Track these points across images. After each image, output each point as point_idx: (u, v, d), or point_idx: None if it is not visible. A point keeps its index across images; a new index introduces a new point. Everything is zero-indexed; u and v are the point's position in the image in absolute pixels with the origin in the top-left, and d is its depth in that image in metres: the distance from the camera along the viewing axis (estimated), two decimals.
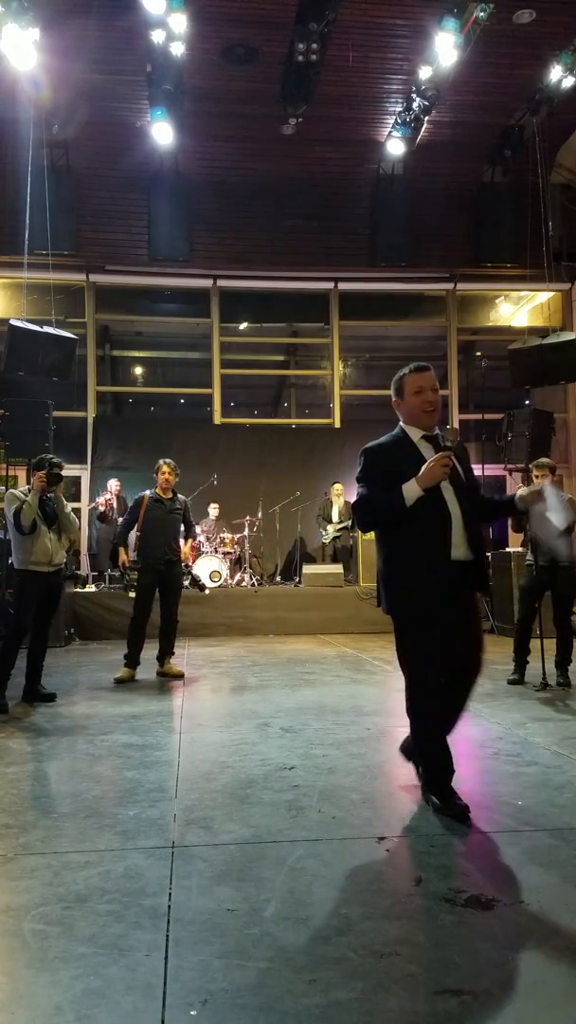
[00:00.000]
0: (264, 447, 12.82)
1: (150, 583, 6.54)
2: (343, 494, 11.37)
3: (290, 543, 11.92)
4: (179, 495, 6.80)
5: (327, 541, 11.36)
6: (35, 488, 5.32)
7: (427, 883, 2.45)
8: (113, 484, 10.85)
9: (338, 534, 11.27)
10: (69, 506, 5.70)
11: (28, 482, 5.59)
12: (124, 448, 12.34)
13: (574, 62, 10.19)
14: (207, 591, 7.59)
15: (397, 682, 6.33)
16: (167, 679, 6.43)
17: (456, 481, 3.15)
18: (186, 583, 7.36)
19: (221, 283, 13.03)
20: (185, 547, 6.94)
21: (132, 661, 6.43)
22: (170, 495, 6.68)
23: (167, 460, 6.72)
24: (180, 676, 6.44)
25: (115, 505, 10.55)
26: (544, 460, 6.33)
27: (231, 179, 12.57)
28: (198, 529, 10.82)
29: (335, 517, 11.26)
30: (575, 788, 3.40)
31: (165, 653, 6.61)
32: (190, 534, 7.09)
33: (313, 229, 12.85)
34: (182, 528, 6.86)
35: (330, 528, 11.27)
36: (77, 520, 5.76)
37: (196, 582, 8.00)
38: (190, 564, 6.89)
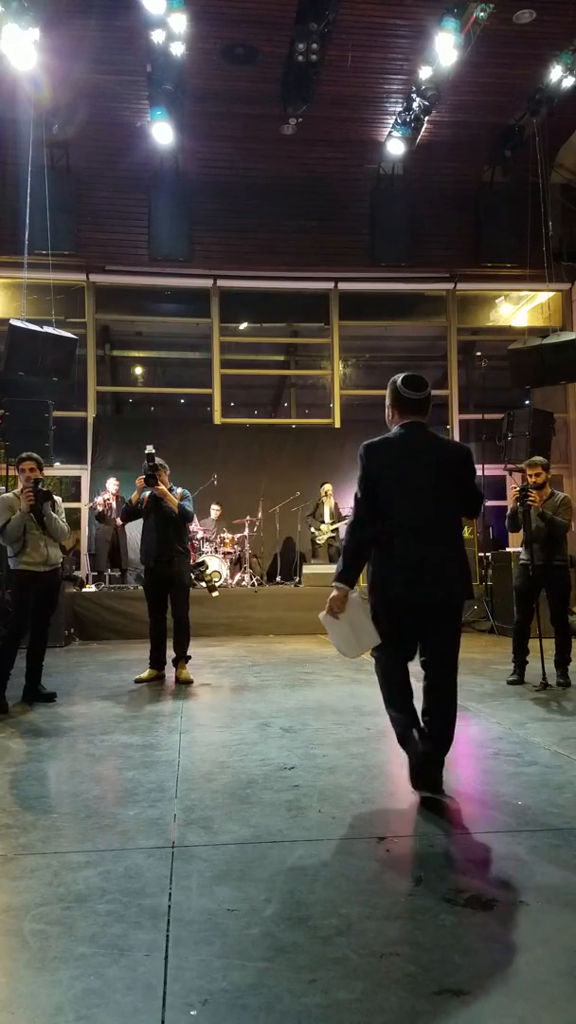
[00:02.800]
0: (264, 447, 12.83)
1: (151, 583, 6.48)
2: (333, 495, 11.36)
3: (291, 543, 11.92)
4: (177, 488, 6.55)
5: (321, 542, 11.35)
6: (23, 502, 5.34)
7: (427, 883, 2.45)
8: (112, 484, 10.81)
9: (332, 534, 11.26)
10: (63, 507, 5.71)
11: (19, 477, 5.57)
12: (124, 448, 12.33)
13: (574, 62, 10.18)
14: (215, 594, 7.22)
15: None
16: (182, 684, 6.21)
17: None
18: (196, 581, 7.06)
19: (221, 283, 13.03)
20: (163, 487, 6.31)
21: (152, 662, 6.43)
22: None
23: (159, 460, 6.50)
24: (188, 682, 6.21)
25: (114, 505, 10.53)
26: (537, 458, 6.32)
27: (231, 179, 12.57)
28: (198, 529, 10.81)
29: (327, 518, 11.25)
30: (575, 788, 3.40)
31: (176, 657, 6.41)
32: (185, 515, 6.46)
33: (313, 229, 12.84)
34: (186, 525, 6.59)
35: (324, 528, 11.25)
36: (67, 528, 5.75)
37: (208, 583, 7.53)
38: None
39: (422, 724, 3.29)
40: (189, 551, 6.67)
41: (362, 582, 3.48)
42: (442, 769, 3.28)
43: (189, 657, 6.44)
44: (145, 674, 6.36)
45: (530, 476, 6.12)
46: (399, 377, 3.37)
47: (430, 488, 3.23)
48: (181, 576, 6.45)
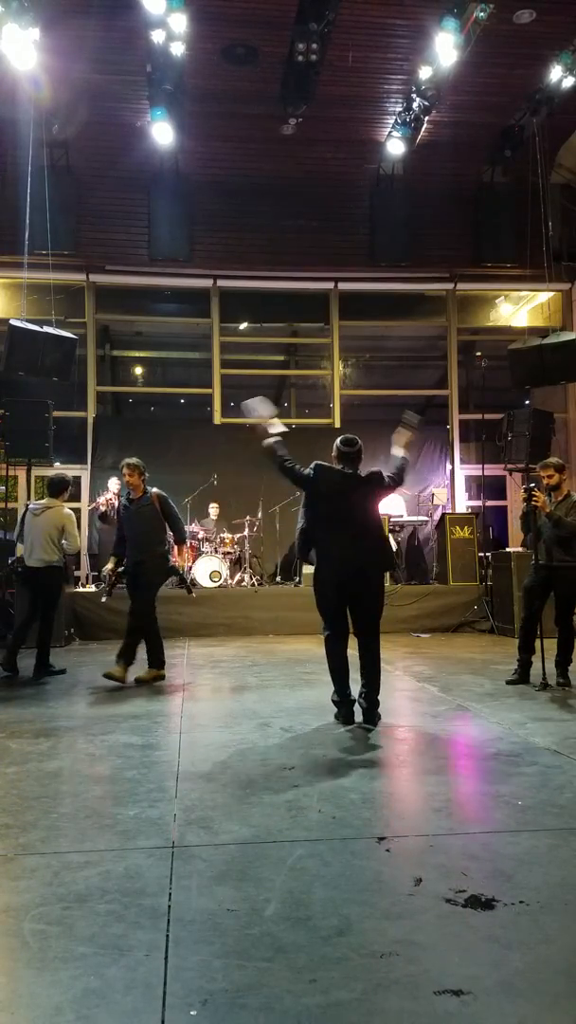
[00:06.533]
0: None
1: (128, 584, 6.45)
2: None
3: (290, 543, 11.90)
4: (151, 489, 6.44)
5: None
6: None
7: (427, 883, 2.45)
8: (114, 483, 10.83)
9: None
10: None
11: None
12: (124, 448, 12.27)
13: (574, 62, 10.17)
14: (194, 594, 7.09)
15: (396, 682, 6.36)
16: (106, 678, 6.09)
17: None
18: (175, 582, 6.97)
19: (221, 283, 13.03)
20: (180, 554, 6.61)
21: (149, 661, 6.48)
22: (140, 493, 6.40)
23: (125, 461, 6.50)
24: (119, 680, 6.06)
25: (115, 504, 10.54)
26: (551, 460, 6.29)
27: (231, 179, 12.56)
28: (197, 528, 10.82)
29: None
30: (575, 788, 3.40)
31: (118, 654, 6.23)
32: (179, 536, 6.56)
33: (313, 229, 12.83)
34: (164, 525, 6.48)
35: None
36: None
37: (183, 582, 7.37)
38: (184, 565, 6.43)
39: (361, 678, 4.73)
40: (167, 553, 6.56)
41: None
42: (377, 707, 4.68)
43: (131, 660, 6.21)
44: (144, 673, 6.36)
45: (543, 478, 6.12)
46: (339, 439, 4.97)
47: (354, 501, 4.75)
48: (148, 577, 6.36)
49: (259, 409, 5.12)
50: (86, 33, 9.61)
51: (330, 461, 4.94)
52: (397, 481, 4.99)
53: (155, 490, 6.47)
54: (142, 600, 6.38)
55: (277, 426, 5.01)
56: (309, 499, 4.90)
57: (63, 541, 6.75)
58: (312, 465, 4.86)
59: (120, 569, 6.53)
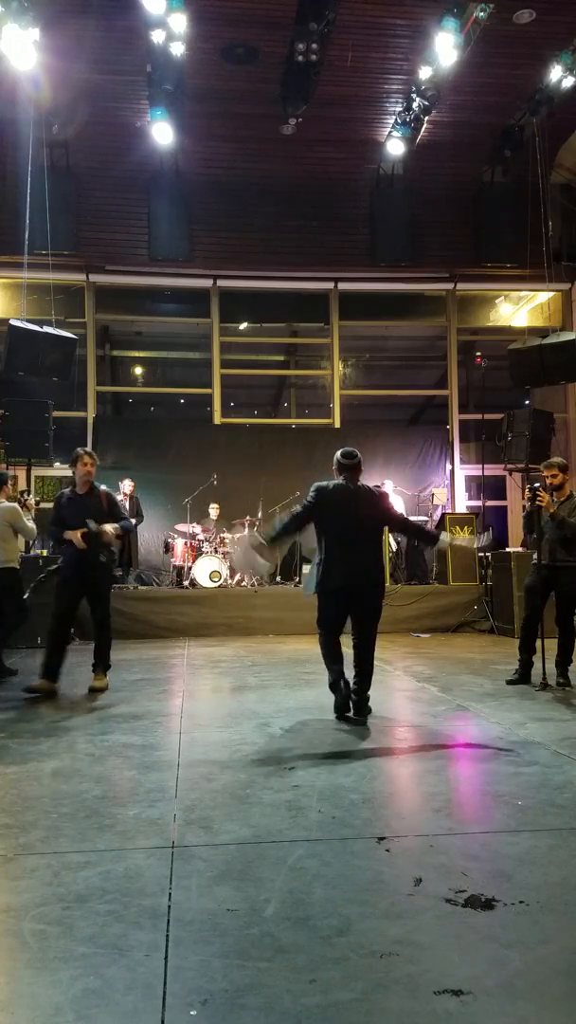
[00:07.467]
0: (264, 447, 12.82)
1: (63, 580, 6.01)
2: None
3: (290, 543, 11.90)
4: (100, 487, 6.08)
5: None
6: None
7: (427, 883, 2.45)
8: (127, 485, 10.82)
9: None
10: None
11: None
12: (124, 448, 12.35)
13: (574, 62, 10.18)
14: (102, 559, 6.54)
15: (396, 682, 6.36)
16: (93, 692, 5.86)
17: None
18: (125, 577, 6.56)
19: (221, 283, 13.03)
20: (116, 534, 6.03)
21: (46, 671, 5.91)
22: (88, 488, 5.96)
23: (83, 450, 6.05)
24: (100, 690, 5.88)
25: (127, 505, 10.54)
26: (555, 460, 6.27)
27: (231, 179, 12.57)
28: (198, 530, 10.81)
29: None
30: (575, 788, 3.40)
31: (95, 664, 6.06)
32: (124, 527, 6.14)
33: (313, 229, 12.84)
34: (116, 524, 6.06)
35: None
36: None
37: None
38: (107, 539, 5.95)
39: (353, 674, 4.84)
40: (112, 558, 6.32)
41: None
42: (368, 702, 4.81)
43: (109, 666, 6.12)
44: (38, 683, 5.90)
45: (547, 478, 6.11)
46: (339, 451, 4.98)
47: (356, 517, 4.82)
48: (97, 585, 6.02)
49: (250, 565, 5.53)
50: (86, 33, 9.62)
51: (330, 471, 5.02)
52: (402, 528, 5.57)
53: (103, 487, 6.14)
54: (103, 611, 6.10)
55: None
56: (311, 511, 4.96)
57: (19, 536, 6.68)
58: (312, 491, 4.92)
59: (53, 567, 6.24)
